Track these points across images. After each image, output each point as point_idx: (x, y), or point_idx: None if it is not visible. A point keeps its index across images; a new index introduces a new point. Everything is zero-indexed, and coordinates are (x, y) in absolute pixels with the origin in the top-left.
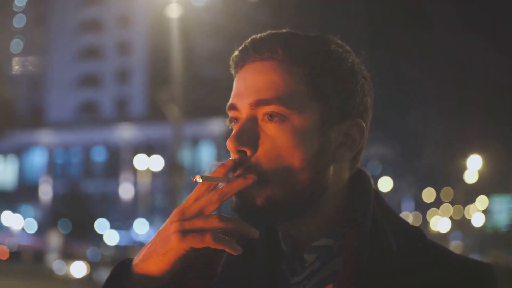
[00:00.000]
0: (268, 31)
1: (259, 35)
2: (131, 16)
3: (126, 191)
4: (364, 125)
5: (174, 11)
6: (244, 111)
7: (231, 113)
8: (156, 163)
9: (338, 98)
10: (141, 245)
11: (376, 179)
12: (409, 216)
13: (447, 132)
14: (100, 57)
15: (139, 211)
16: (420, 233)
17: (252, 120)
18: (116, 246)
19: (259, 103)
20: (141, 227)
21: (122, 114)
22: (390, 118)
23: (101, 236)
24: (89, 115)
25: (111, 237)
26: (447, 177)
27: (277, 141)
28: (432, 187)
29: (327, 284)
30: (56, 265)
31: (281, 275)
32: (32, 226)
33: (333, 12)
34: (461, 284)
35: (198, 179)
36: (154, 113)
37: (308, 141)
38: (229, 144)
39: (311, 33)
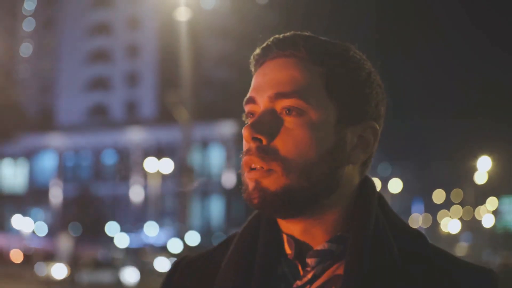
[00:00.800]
0: (292, 32)
1: (282, 34)
2: (140, 19)
3: (136, 194)
4: (378, 129)
5: (183, 14)
6: (262, 104)
7: (248, 107)
8: (166, 165)
9: (354, 100)
10: (151, 247)
11: (386, 181)
12: (419, 218)
13: (457, 133)
14: (110, 60)
15: (149, 214)
16: (422, 237)
17: (271, 112)
18: (127, 249)
19: (278, 96)
20: (151, 230)
21: (132, 117)
22: (401, 120)
23: (111, 238)
24: (99, 118)
25: (122, 239)
26: (457, 178)
27: (294, 133)
28: (442, 188)
29: None
30: (38, 267)
31: (283, 279)
32: (42, 229)
33: (342, 14)
34: (464, 287)
35: None
36: (164, 116)
37: (324, 137)
38: (245, 131)
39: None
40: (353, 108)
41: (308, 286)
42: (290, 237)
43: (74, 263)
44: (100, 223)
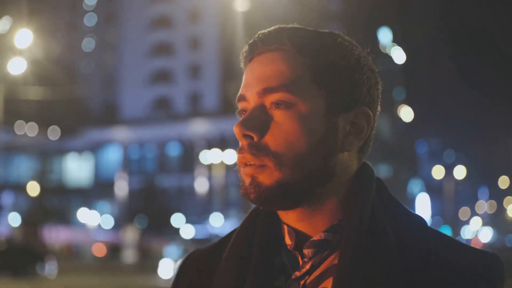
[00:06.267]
0: (277, 26)
1: (267, 29)
2: (201, 11)
3: (201, 185)
4: (371, 114)
5: (241, 5)
6: (252, 100)
7: (240, 105)
8: (230, 156)
9: (344, 87)
10: (217, 238)
11: (451, 168)
12: (484, 205)
13: None
14: (172, 53)
15: (214, 205)
16: (420, 223)
17: (260, 108)
18: (192, 240)
19: (266, 91)
20: (216, 221)
21: (195, 109)
22: (464, 108)
23: (177, 230)
24: (162, 111)
25: (187, 231)
26: None
27: (284, 127)
28: (507, 175)
29: (327, 278)
30: None
31: (282, 270)
32: (108, 222)
33: (404, 3)
34: (463, 274)
35: None
36: (227, 107)
37: (314, 127)
38: (235, 129)
39: (321, 30)
40: (343, 95)
41: (307, 276)
42: (290, 227)
43: None
44: (165, 214)
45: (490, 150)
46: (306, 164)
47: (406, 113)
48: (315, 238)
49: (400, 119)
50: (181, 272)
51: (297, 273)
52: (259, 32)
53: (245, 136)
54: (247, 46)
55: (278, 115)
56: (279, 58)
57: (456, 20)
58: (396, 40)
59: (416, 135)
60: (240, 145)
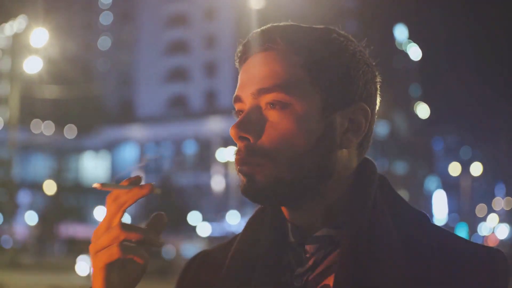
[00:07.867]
0: (269, 24)
1: (260, 28)
2: (216, 9)
3: (217, 183)
4: (369, 109)
5: (257, 2)
6: (247, 101)
7: (236, 106)
8: None
9: (340, 83)
10: (233, 235)
11: (467, 164)
12: (501, 202)
13: None
14: (188, 51)
15: (231, 203)
16: (425, 218)
17: (255, 109)
18: (209, 238)
19: (260, 92)
20: (233, 218)
21: (211, 106)
22: (481, 104)
23: (194, 228)
24: (178, 108)
25: (204, 229)
26: None
27: (280, 127)
28: None
29: (330, 275)
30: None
31: (288, 267)
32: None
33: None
34: (467, 270)
35: (98, 186)
36: None
37: (311, 126)
38: (232, 131)
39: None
40: (339, 92)
41: (309, 273)
42: (293, 225)
43: None
44: (182, 213)
45: (507, 146)
46: (304, 163)
47: (423, 110)
48: (317, 233)
49: (416, 116)
50: (188, 270)
51: (300, 270)
52: (252, 31)
53: (241, 138)
54: (241, 47)
55: (274, 115)
56: (272, 57)
57: (473, 16)
58: (412, 37)
59: (432, 132)
60: (237, 146)
